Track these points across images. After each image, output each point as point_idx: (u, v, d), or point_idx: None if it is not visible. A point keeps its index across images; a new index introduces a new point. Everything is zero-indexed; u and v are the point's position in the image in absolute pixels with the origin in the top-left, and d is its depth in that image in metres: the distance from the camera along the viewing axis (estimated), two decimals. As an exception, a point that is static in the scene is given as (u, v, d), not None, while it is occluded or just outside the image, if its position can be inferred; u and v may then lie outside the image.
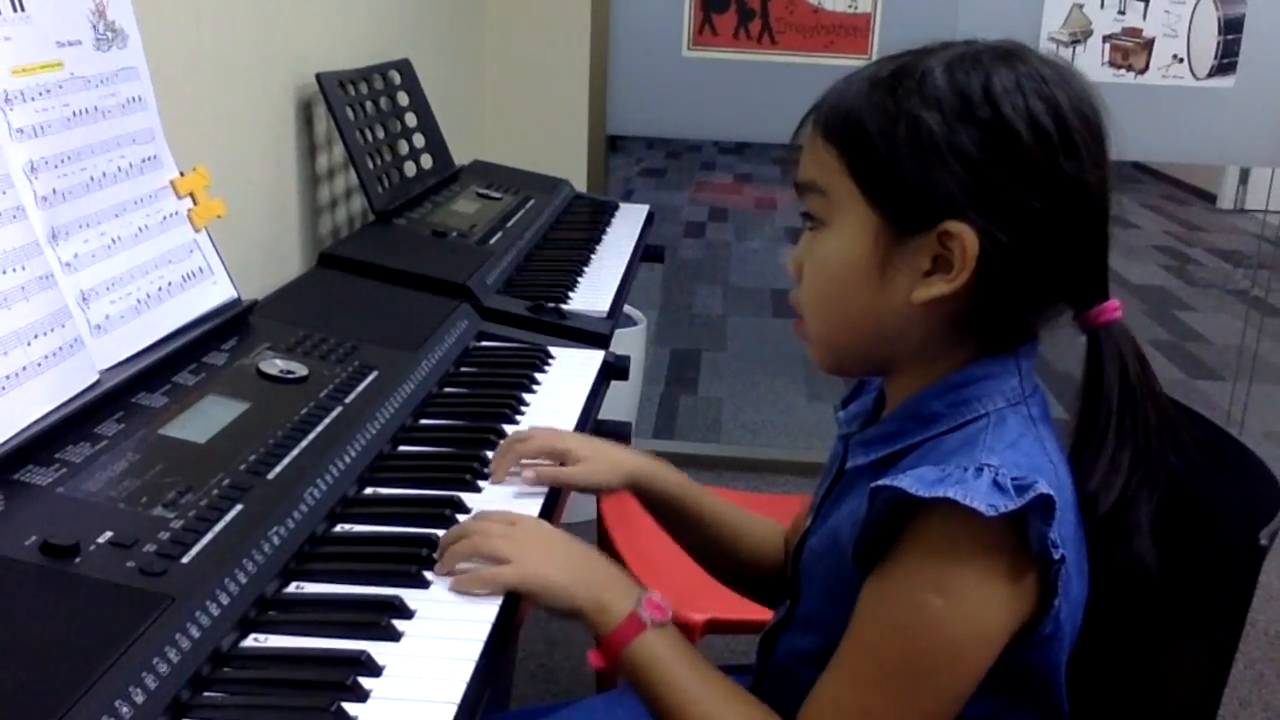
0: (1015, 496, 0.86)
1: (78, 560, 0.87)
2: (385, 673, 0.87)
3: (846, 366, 1.07)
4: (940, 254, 0.93)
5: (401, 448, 1.27)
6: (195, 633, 0.84)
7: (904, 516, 0.90)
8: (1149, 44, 3.08)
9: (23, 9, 1.13)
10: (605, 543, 1.98)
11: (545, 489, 1.20)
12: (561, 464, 1.21)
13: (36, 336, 1.05)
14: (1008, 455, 0.91)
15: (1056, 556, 0.88)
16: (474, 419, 1.36)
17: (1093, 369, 0.99)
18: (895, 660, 0.91)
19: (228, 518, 0.97)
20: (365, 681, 0.85)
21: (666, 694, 0.98)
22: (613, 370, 1.60)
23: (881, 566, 0.93)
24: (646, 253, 2.32)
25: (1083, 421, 0.99)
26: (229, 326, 1.34)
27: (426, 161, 2.21)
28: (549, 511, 1.18)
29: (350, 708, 0.81)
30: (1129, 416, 0.97)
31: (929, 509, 0.88)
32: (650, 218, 2.47)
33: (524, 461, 1.21)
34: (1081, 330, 0.99)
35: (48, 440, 1.01)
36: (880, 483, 0.90)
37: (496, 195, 2.23)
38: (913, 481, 0.88)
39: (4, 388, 0.99)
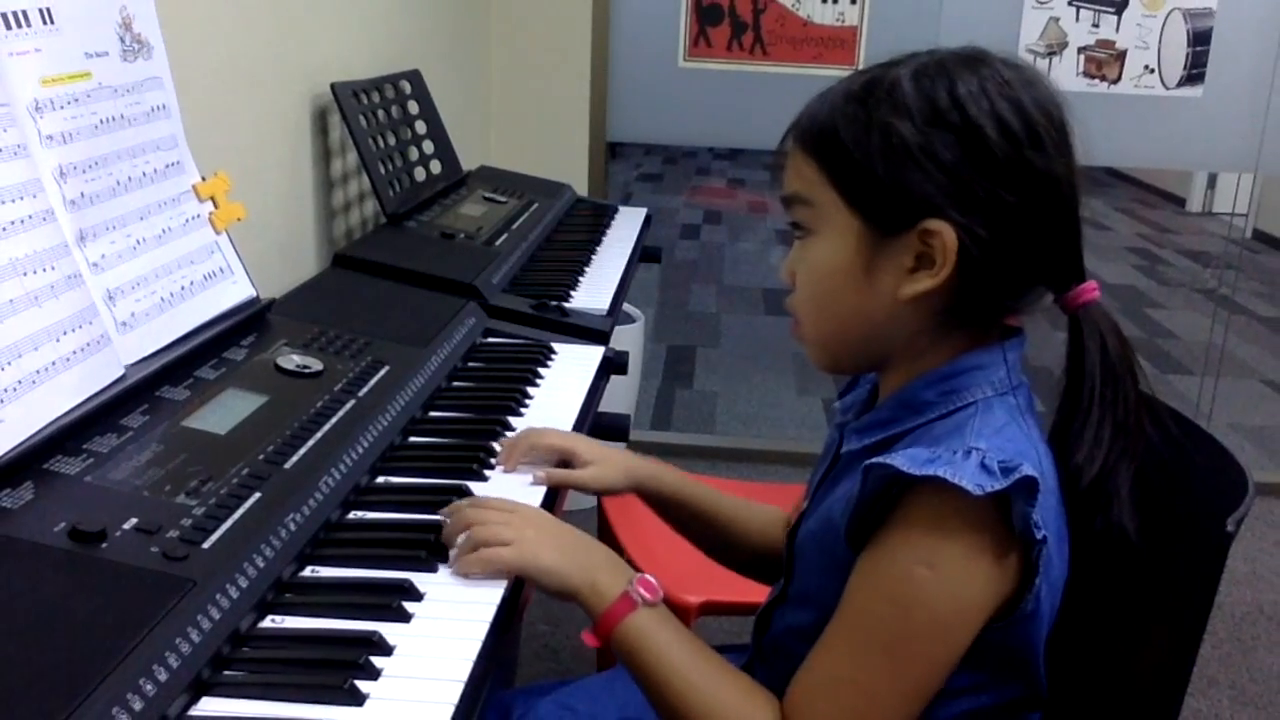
0: (1001, 478, 0.86)
1: (104, 545, 0.87)
2: (396, 652, 0.87)
3: (842, 364, 1.08)
4: (922, 251, 0.93)
5: (412, 439, 1.27)
6: (216, 614, 0.84)
7: (895, 495, 0.91)
8: (1121, 55, 3.08)
9: (53, 21, 1.13)
10: (605, 530, 1.98)
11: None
12: (568, 465, 1.22)
13: (65, 333, 1.05)
14: (994, 440, 0.91)
15: (1039, 536, 0.88)
16: (481, 411, 1.36)
17: (1075, 347, 0.99)
18: (885, 629, 0.92)
19: (247, 505, 0.97)
20: (377, 660, 0.85)
21: (657, 669, 0.98)
22: (612, 365, 1.60)
23: (873, 542, 0.93)
24: (644, 253, 2.31)
25: (1068, 397, 0.99)
26: (248, 324, 1.34)
27: (435, 167, 2.21)
28: (550, 501, 1.17)
29: (363, 685, 0.81)
30: (1110, 390, 0.98)
31: (919, 487, 0.89)
32: (648, 220, 2.46)
33: (529, 463, 1.21)
34: (1063, 312, 1.00)
35: (76, 431, 1.01)
36: (873, 461, 0.91)
37: (502, 199, 2.23)
38: (905, 460, 0.89)
39: (35, 381, 0.99)
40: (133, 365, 1.14)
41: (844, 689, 0.93)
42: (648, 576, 1.01)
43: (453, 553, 1.01)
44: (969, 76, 0.93)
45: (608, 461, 1.23)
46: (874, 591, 0.93)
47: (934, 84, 0.93)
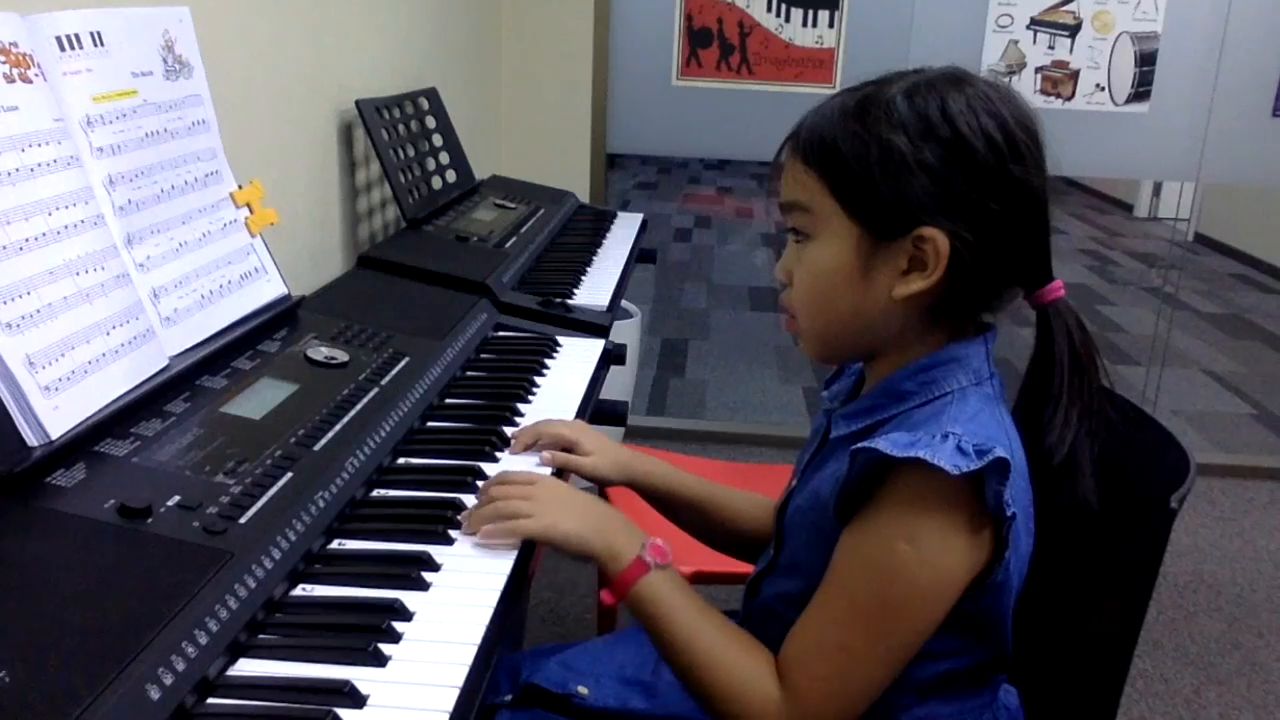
0: (976, 459, 0.87)
1: (150, 521, 0.87)
2: (415, 618, 0.87)
3: (835, 355, 1.08)
4: (915, 255, 0.93)
5: (430, 423, 1.26)
6: (251, 583, 0.84)
7: (879, 475, 0.91)
8: (1075, 75, 3.08)
9: (103, 44, 1.12)
10: (606, 505, 1.97)
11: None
12: (571, 452, 1.21)
13: (115, 327, 1.05)
14: (969, 426, 0.91)
15: (1009, 513, 0.88)
16: (492, 398, 1.35)
17: (1044, 339, 0.99)
18: (869, 598, 0.92)
19: (280, 484, 0.97)
20: (398, 625, 0.85)
21: (668, 625, 0.98)
22: (612, 356, 1.59)
23: (859, 518, 0.93)
24: (641, 255, 2.31)
25: (1038, 384, 0.99)
26: (280, 319, 1.34)
27: (451, 176, 2.20)
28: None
29: (385, 648, 0.82)
30: (1077, 377, 0.98)
31: (901, 468, 0.89)
32: (644, 225, 2.46)
33: (537, 449, 1.21)
34: (1032, 307, 1.00)
35: (124, 417, 1.01)
36: (860, 445, 0.91)
37: (511, 205, 2.23)
38: (888, 444, 0.89)
39: (87, 371, 0.99)
40: (175, 357, 1.14)
41: (832, 650, 0.93)
42: (658, 541, 1.01)
43: (476, 515, 1.01)
44: (957, 94, 0.92)
45: (605, 454, 1.23)
46: (859, 564, 0.93)
47: (926, 101, 0.92)
